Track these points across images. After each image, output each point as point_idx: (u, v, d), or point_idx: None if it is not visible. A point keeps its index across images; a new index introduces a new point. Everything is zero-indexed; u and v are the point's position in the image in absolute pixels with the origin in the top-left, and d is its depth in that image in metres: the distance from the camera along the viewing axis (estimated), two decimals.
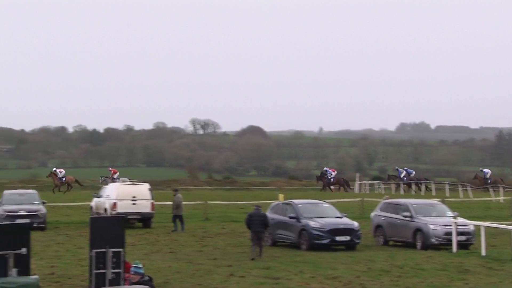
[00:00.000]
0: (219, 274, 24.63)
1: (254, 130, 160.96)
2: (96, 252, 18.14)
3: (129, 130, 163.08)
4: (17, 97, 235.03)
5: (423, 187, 70.50)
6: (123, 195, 41.07)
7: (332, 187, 72.54)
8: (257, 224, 29.28)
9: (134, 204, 41.08)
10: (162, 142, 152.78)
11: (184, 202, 52.65)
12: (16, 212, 39.39)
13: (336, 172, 73.93)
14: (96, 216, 37.96)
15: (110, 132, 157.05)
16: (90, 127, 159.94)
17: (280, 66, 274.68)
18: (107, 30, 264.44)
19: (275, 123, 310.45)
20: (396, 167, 77.76)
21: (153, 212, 41.68)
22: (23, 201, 41.18)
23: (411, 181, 71.93)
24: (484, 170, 73.62)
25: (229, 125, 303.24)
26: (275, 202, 36.35)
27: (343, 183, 72.59)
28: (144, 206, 41.17)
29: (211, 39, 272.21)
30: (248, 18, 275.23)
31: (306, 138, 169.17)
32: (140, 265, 18.29)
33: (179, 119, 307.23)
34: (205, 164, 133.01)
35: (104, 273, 18.26)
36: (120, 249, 18.32)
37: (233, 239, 35.73)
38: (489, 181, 70.27)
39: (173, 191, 42.32)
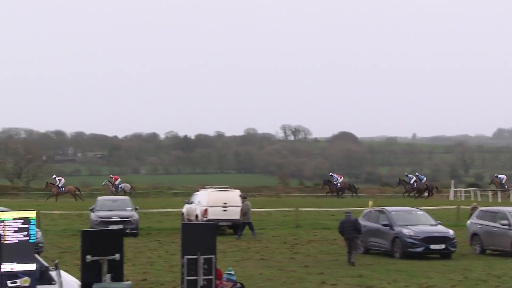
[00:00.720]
0: (310, 282, 24.58)
1: (345, 136, 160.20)
2: (188, 259, 18.30)
3: (220, 136, 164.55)
4: (111, 104, 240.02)
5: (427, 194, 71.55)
6: (214, 201, 41.41)
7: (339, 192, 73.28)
8: (350, 230, 29.20)
9: (225, 210, 41.38)
10: (252, 148, 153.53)
11: (274, 209, 53.09)
12: (109, 218, 40.17)
13: (342, 178, 74.08)
14: (188, 222, 38.41)
15: (201, 139, 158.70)
16: (181, 133, 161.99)
17: (372, 71, 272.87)
18: (197, 36, 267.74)
19: (367, 129, 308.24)
20: (406, 174, 78.16)
21: None
22: (116, 207, 42.00)
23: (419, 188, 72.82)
24: (499, 175, 73.83)
25: (320, 131, 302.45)
26: (367, 209, 36.15)
27: (351, 188, 71.97)
28: (235, 213, 41.41)
29: (301, 45, 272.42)
30: (336, 21, 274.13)
31: (399, 144, 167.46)
32: (232, 272, 18.38)
33: (270, 125, 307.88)
34: (296, 170, 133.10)
35: (195, 279, 18.43)
36: (212, 256, 18.44)
37: (324, 246, 35.62)
38: (505, 186, 70.54)
39: (241, 198, 42.07)
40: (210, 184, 51.11)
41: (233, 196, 42.26)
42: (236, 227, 41.51)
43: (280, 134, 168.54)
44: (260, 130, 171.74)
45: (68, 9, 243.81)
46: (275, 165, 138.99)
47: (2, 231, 17.97)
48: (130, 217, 40.67)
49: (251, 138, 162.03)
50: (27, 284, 17.87)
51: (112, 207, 42.00)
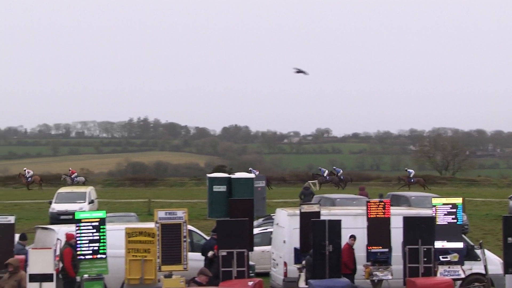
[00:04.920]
0: None
1: None
2: None
3: None
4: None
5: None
6: None
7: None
8: None
9: None
10: None
11: None
12: None
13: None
14: None
15: None
16: None
17: None
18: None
19: None
20: (319, 167, 72.54)
21: None
22: None
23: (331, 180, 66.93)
24: (408, 170, 69.56)
25: None
26: None
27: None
28: None
29: None
30: None
31: None
32: None
33: None
34: None
35: None
36: None
37: None
38: (412, 180, 66.61)
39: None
40: None
41: None
42: None
43: None
44: None
45: None
46: None
47: (434, 214, 19.39)
48: None
49: None
50: (456, 260, 18.89)
51: None
